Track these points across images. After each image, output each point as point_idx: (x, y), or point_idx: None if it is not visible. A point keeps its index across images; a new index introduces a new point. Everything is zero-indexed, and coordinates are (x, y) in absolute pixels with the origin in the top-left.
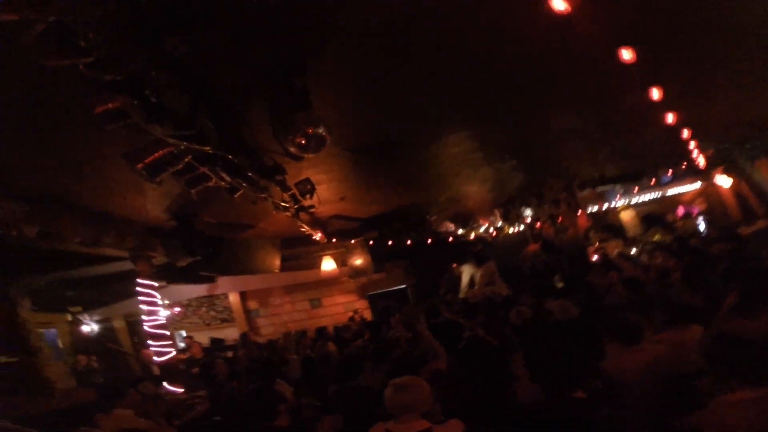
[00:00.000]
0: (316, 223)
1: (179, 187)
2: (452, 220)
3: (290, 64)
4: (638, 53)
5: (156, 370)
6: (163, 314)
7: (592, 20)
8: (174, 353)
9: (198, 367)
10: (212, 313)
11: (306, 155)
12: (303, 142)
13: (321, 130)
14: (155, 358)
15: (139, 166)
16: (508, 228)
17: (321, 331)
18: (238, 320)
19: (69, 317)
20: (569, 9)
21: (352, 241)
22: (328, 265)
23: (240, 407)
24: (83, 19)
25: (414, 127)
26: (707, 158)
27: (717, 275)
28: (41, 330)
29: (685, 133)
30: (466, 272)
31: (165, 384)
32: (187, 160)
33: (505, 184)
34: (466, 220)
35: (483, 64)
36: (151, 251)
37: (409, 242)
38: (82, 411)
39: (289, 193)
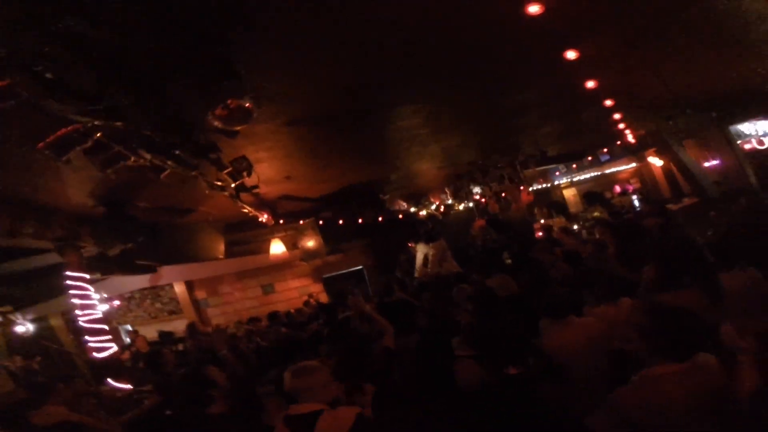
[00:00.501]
0: (262, 204)
1: (97, 169)
2: (404, 199)
3: (213, 31)
4: (556, 7)
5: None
6: (100, 308)
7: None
8: (115, 348)
9: (144, 360)
10: (158, 305)
11: (231, 128)
12: (225, 113)
13: (247, 103)
14: (94, 354)
15: (41, 145)
16: (458, 205)
17: (273, 315)
18: (186, 311)
19: None
20: None
21: (302, 222)
22: (277, 248)
23: (178, 396)
24: None
25: (360, 102)
26: (638, 138)
27: (647, 248)
28: None
29: (616, 115)
30: (420, 251)
31: (109, 380)
32: (96, 137)
33: (454, 161)
34: (418, 197)
35: (432, 38)
36: (78, 240)
37: (361, 221)
38: (18, 411)
39: (226, 171)
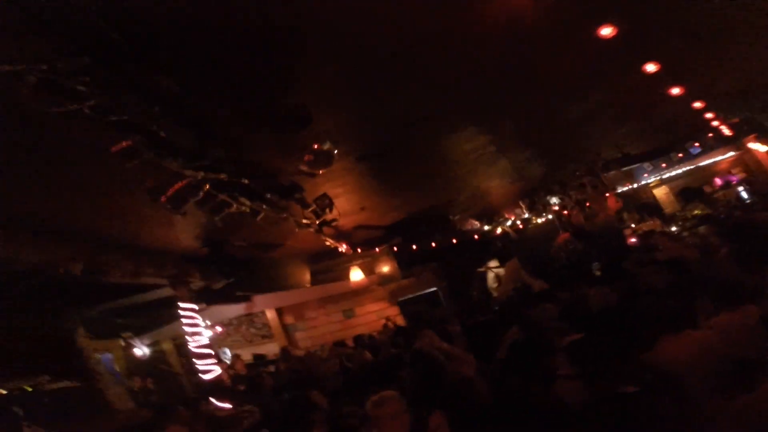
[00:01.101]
0: (340, 235)
1: (205, 216)
2: (476, 217)
3: (281, 84)
4: (629, 28)
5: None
6: (206, 334)
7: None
8: (220, 370)
9: (243, 382)
10: (252, 330)
11: (317, 171)
12: (312, 158)
13: (327, 146)
14: (202, 376)
15: (163, 199)
16: (536, 218)
17: (357, 338)
18: (276, 335)
19: (122, 342)
20: None
21: (377, 249)
22: (356, 275)
23: (279, 419)
24: (73, 67)
25: (420, 129)
26: (733, 127)
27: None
28: (98, 356)
29: (698, 104)
30: (491, 271)
31: (213, 400)
32: (206, 189)
33: (525, 174)
34: (491, 215)
35: (481, 60)
36: (188, 277)
37: (433, 244)
38: (141, 430)
39: (310, 209)
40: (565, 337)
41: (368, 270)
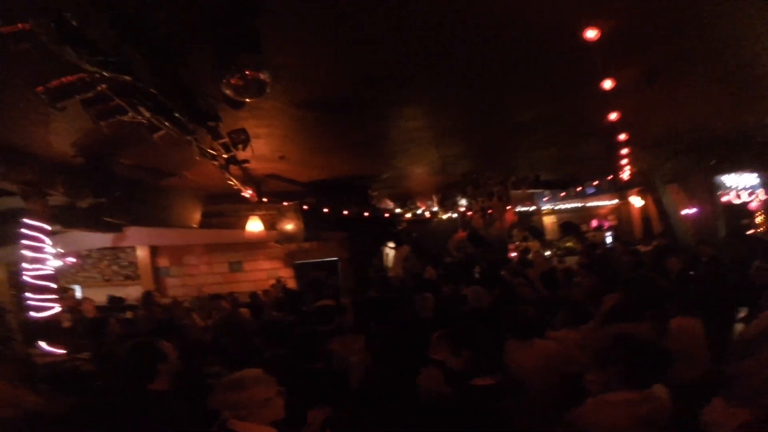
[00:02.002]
0: (249, 179)
1: (90, 120)
2: (392, 198)
3: (243, 2)
4: (617, 61)
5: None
6: (52, 264)
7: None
8: (58, 309)
9: (87, 326)
10: (114, 267)
11: (242, 99)
12: (240, 83)
13: (263, 76)
14: (32, 314)
15: (40, 88)
16: (443, 213)
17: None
18: (144, 278)
19: None
20: None
21: (285, 204)
22: (254, 225)
23: (118, 367)
24: None
25: (372, 93)
26: (632, 175)
27: (618, 282)
28: None
29: (624, 150)
30: (390, 251)
31: (41, 343)
32: (100, 88)
33: (447, 170)
34: (405, 199)
35: (448, 44)
36: (48, 187)
37: (346, 213)
38: None
39: (221, 141)
40: (438, 328)
41: (269, 224)
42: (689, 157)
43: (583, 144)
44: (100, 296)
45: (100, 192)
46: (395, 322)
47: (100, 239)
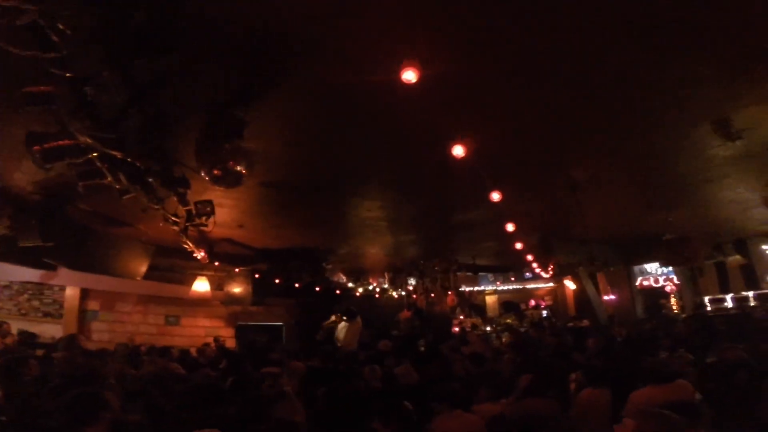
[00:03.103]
0: (203, 241)
1: (65, 169)
2: (345, 273)
3: (237, 94)
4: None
5: None
6: None
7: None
8: None
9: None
10: (34, 302)
11: (219, 187)
12: (220, 174)
13: (240, 167)
14: None
15: (36, 148)
16: (392, 291)
17: (164, 350)
18: (67, 318)
19: None
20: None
21: (237, 269)
22: (201, 285)
23: (46, 413)
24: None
25: (338, 182)
26: (556, 267)
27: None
28: None
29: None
30: (342, 325)
31: None
32: (91, 156)
33: (400, 253)
34: (358, 275)
35: (403, 153)
36: None
37: (298, 286)
38: None
39: (186, 208)
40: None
41: (216, 284)
42: (610, 250)
43: (514, 241)
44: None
45: (49, 237)
46: (341, 391)
47: (27, 273)
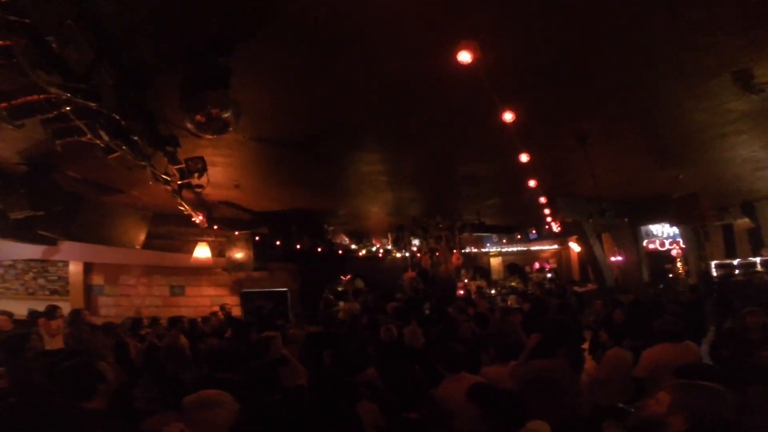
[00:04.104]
0: (200, 204)
1: (44, 135)
2: (347, 234)
3: (218, 40)
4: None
5: None
6: None
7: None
8: None
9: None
10: (40, 281)
11: (203, 135)
12: (203, 121)
13: (227, 114)
14: None
15: (3, 105)
16: (396, 252)
17: (174, 321)
18: (73, 294)
19: None
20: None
21: (237, 233)
22: (202, 252)
23: (48, 386)
24: None
25: (332, 135)
26: (563, 226)
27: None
28: None
29: (546, 210)
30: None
31: None
32: (63, 110)
33: (401, 211)
34: (361, 236)
35: (404, 101)
36: None
37: (299, 246)
38: None
39: (177, 167)
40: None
41: (217, 250)
42: (616, 210)
43: (522, 196)
44: (21, 309)
45: (39, 205)
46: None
47: (29, 250)
